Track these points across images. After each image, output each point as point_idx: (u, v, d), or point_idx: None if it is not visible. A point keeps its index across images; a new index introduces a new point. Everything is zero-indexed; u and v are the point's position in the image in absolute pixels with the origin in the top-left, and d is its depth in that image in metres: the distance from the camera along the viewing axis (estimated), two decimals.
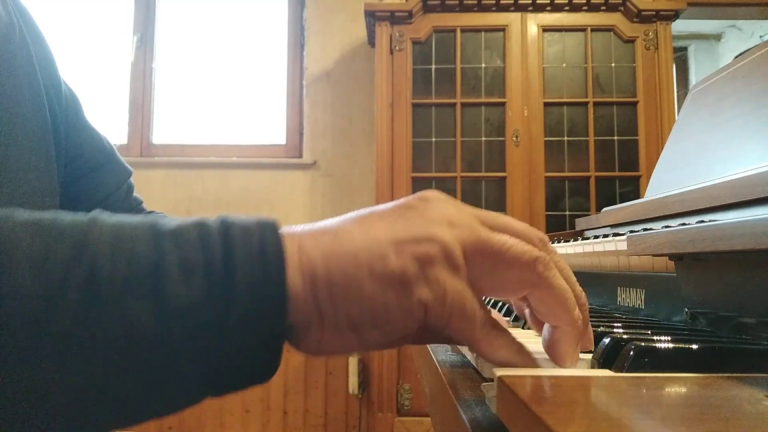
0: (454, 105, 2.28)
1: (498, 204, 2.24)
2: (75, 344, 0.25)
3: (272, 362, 0.29)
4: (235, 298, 0.27)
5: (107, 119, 2.76)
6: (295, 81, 2.75)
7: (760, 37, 3.35)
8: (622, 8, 2.27)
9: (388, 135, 2.26)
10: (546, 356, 0.33)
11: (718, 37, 3.62)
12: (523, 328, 0.50)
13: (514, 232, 0.32)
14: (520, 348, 0.32)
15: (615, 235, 0.70)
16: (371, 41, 2.49)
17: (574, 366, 0.32)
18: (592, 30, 2.28)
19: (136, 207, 0.66)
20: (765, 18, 2.63)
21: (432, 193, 0.33)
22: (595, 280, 0.70)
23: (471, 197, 2.25)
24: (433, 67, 2.30)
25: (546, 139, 2.25)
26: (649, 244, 0.48)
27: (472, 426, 0.28)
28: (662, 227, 0.52)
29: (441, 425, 0.38)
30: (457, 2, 2.27)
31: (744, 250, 0.35)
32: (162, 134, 2.80)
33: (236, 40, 2.87)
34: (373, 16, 2.30)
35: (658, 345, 0.31)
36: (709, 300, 0.44)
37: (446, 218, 0.31)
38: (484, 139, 2.28)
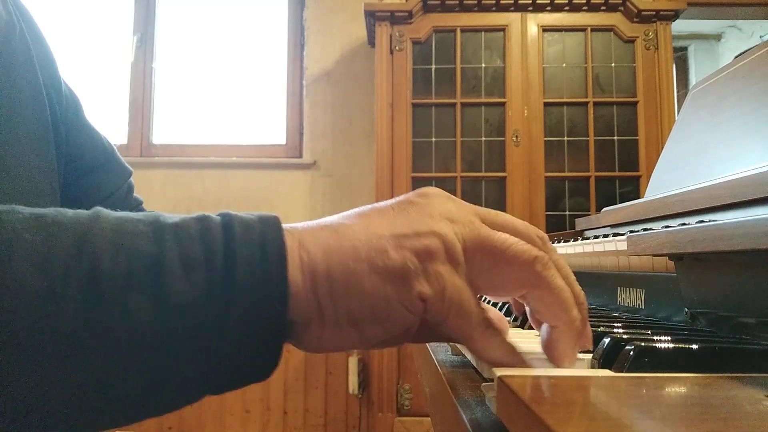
0: (454, 105, 2.28)
1: (498, 204, 2.24)
2: (76, 340, 0.25)
3: (272, 359, 0.29)
4: (235, 294, 0.27)
5: (107, 119, 2.77)
6: (295, 81, 2.75)
7: (760, 37, 3.35)
8: (622, 8, 2.27)
9: (388, 135, 2.26)
10: (543, 356, 0.33)
11: (718, 37, 3.62)
12: (523, 327, 0.50)
13: (513, 230, 0.32)
14: (513, 349, 0.32)
15: (615, 235, 0.70)
16: (371, 41, 2.49)
17: (572, 366, 0.32)
18: (592, 30, 2.28)
19: (136, 207, 0.66)
20: (765, 18, 2.63)
21: (432, 190, 0.33)
22: (595, 280, 0.70)
23: (471, 197, 2.25)
24: (433, 67, 2.30)
25: (546, 139, 2.25)
26: (649, 244, 0.48)
27: (472, 426, 0.28)
28: (662, 227, 0.52)
29: (441, 425, 0.38)
30: (457, 2, 2.27)
31: (744, 250, 0.35)
32: (162, 134, 2.80)
33: (236, 40, 2.87)
34: (373, 16, 2.30)
35: (658, 345, 0.31)
36: (709, 300, 0.44)
37: (447, 214, 0.31)
38: (484, 139, 2.28)
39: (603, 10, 2.28)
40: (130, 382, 0.26)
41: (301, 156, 2.70)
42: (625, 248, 0.53)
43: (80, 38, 2.85)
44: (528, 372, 0.30)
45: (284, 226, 0.30)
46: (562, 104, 2.28)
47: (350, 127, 2.69)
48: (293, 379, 2.54)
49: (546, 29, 2.29)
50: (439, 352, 0.48)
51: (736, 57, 0.79)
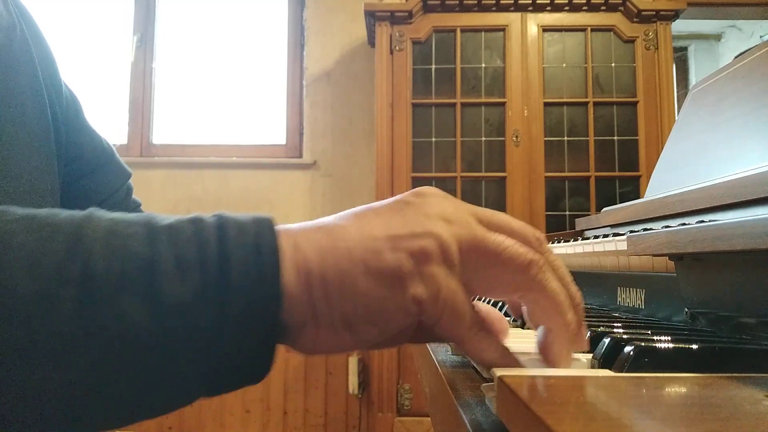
0: (454, 105, 2.28)
1: (498, 204, 2.24)
2: (69, 341, 0.25)
3: (266, 361, 0.29)
4: (229, 296, 0.27)
5: (107, 119, 2.76)
6: (295, 81, 2.75)
7: (760, 37, 3.35)
8: (622, 8, 2.27)
9: (388, 135, 2.26)
10: (539, 357, 0.33)
11: (718, 37, 3.62)
12: (523, 327, 0.50)
13: (510, 230, 0.32)
14: (506, 350, 0.32)
15: (615, 235, 0.70)
16: (371, 41, 2.49)
17: (567, 368, 0.32)
18: (592, 30, 2.28)
19: (134, 209, 0.66)
20: (765, 18, 2.63)
21: (429, 189, 0.33)
22: (595, 280, 0.70)
23: (471, 197, 2.25)
24: (433, 67, 2.30)
25: (546, 139, 2.25)
26: (649, 244, 0.48)
27: (472, 426, 0.28)
28: (662, 227, 0.52)
29: (441, 425, 0.38)
30: (457, 2, 2.27)
31: (744, 250, 0.35)
32: (162, 134, 2.80)
33: (236, 40, 2.87)
34: (373, 16, 2.30)
35: (658, 345, 0.31)
36: (709, 300, 0.44)
37: (443, 214, 0.31)
38: (484, 139, 2.28)
39: (603, 10, 2.28)
40: (123, 384, 0.26)
41: (301, 156, 2.70)
42: (625, 248, 0.53)
43: (80, 38, 2.85)
44: (528, 372, 0.30)
45: (279, 227, 0.29)
46: (562, 104, 2.28)
47: (350, 127, 2.69)
48: (293, 379, 2.54)
49: (546, 29, 2.29)
50: (439, 352, 0.48)
51: (736, 57, 0.79)
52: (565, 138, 2.27)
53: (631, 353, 0.30)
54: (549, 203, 2.24)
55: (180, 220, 0.29)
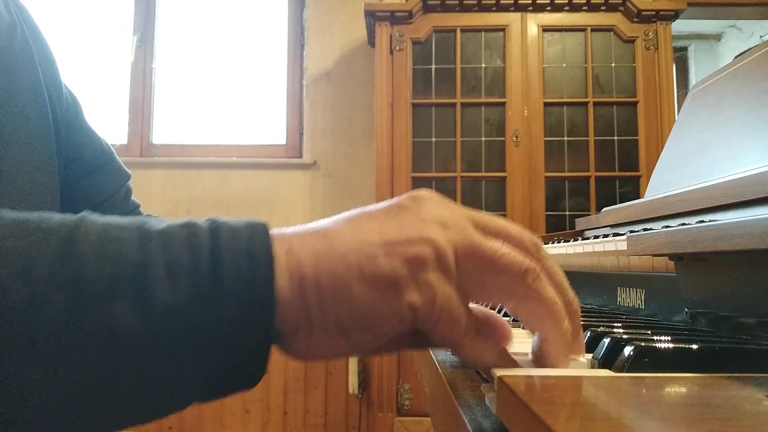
0: (454, 105, 2.28)
1: (498, 204, 2.24)
2: (59, 346, 0.24)
3: (259, 367, 0.28)
4: (221, 300, 0.26)
5: (107, 119, 2.76)
6: (295, 81, 2.75)
7: (760, 37, 3.35)
8: (622, 8, 2.27)
9: (388, 135, 2.26)
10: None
11: (718, 37, 3.62)
12: (523, 327, 0.50)
13: (507, 236, 0.32)
14: (503, 353, 0.32)
15: (615, 235, 0.70)
16: (371, 41, 2.49)
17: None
18: (592, 30, 2.28)
19: (133, 210, 0.66)
20: (765, 18, 2.63)
21: (424, 193, 0.33)
22: (595, 280, 0.70)
23: (471, 197, 2.25)
24: (433, 67, 2.30)
25: (546, 139, 2.25)
26: (649, 244, 0.48)
27: (472, 426, 0.28)
28: (662, 227, 0.52)
29: (441, 425, 0.38)
30: (457, 2, 2.27)
31: (744, 250, 0.35)
32: (162, 134, 2.80)
33: (236, 40, 2.87)
34: (373, 16, 2.30)
35: (658, 345, 0.31)
36: (709, 300, 0.44)
37: (439, 219, 0.31)
38: (484, 139, 2.28)
39: (603, 10, 2.28)
40: (115, 389, 0.26)
41: (301, 156, 2.70)
42: (625, 248, 0.53)
43: (80, 38, 2.86)
44: (528, 372, 0.30)
45: (273, 231, 0.29)
46: (562, 104, 2.28)
47: (350, 127, 2.69)
48: (293, 379, 2.54)
49: (546, 29, 2.29)
50: (439, 352, 0.48)
51: (736, 57, 0.79)
52: (565, 138, 2.27)
53: (631, 353, 0.30)
54: (549, 203, 2.24)
55: (173, 225, 0.28)
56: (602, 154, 2.25)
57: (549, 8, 2.28)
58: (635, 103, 2.25)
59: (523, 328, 0.49)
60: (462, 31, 2.30)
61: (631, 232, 0.61)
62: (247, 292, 0.27)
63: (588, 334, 0.37)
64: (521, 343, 0.35)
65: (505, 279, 0.31)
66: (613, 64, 2.28)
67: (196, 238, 0.28)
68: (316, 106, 2.70)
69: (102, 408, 0.26)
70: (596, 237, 0.76)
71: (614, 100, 2.27)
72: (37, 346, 0.24)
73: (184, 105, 2.85)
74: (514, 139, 2.24)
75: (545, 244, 0.92)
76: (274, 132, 2.78)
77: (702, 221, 0.55)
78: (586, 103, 2.26)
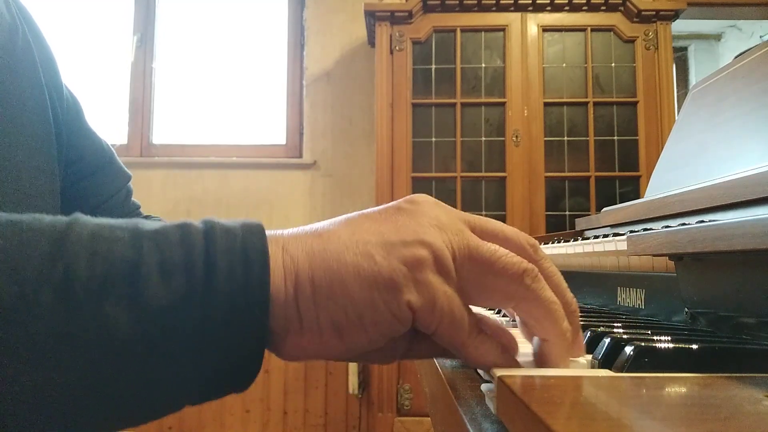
0: (454, 105, 2.28)
1: (498, 204, 2.24)
2: (49, 346, 0.24)
3: (252, 368, 0.28)
4: (215, 300, 0.26)
5: (107, 119, 2.76)
6: (295, 81, 2.75)
7: (760, 37, 3.35)
8: (622, 8, 2.27)
9: (388, 135, 2.26)
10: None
11: (718, 37, 3.62)
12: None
13: (504, 238, 0.32)
14: (505, 351, 0.32)
15: (615, 235, 0.70)
16: (371, 41, 2.49)
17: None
18: (592, 30, 2.28)
19: (134, 211, 0.66)
20: (765, 18, 2.63)
21: (421, 197, 0.33)
22: (595, 280, 0.70)
23: (471, 197, 2.25)
24: (433, 67, 2.30)
25: (546, 139, 2.25)
26: (649, 244, 0.48)
27: (472, 426, 0.28)
28: (662, 227, 0.52)
29: (441, 425, 0.38)
30: (457, 2, 2.27)
31: (744, 250, 0.35)
32: (162, 134, 2.80)
33: (236, 40, 2.87)
34: (373, 16, 2.30)
35: (658, 345, 0.31)
36: (709, 300, 0.44)
37: (436, 222, 0.31)
38: (484, 139, 2.28)
39: (603, 10, 2.28)
40: (105, 390, 0.25)
41: (301, 156, 2.70)
42: (625, 248, 0.53)
43: (80, 38, 2.85)
44: (528, 372, 0.30)
45: (268, 232, 0.29)
46: (562, 104, 2.28)
47: (350, 127, 2.69)
48: (293, 379, 2.54)
49: (546, 29, 2.29)
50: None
51: (736, 57, 0.79)
52: (565, 138, 2.27)
53: (631, 353, 0.30)
54: (549, 203, 2.24)
55: (166, 226, 0.28)
56: (602, 154, 2.25)
57: (549, 8, 2.28)
58: (635, 103, 2.25)
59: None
60: (462, 31, 2.30)
61: (631, 232, 0.61)
62: (241, 291, 0.27)
63: (588, 334, 0.37)
64: (521, 343, 0.35)
65: (503, 281, 0.31)
66: (613, 64, 2.28)
67: (189, 238, 0.27)
68: (316, 106, 2.70)
69: (95, 407, 0.26)
70: (596, 237, 0.76)
71: (614, 100, 2.27)
72: (27, 345, 0.24)
73: (184, 105, 2.85)
74: (514, 139, 2.24)
75: (545, 244, 0.92)
76: (274, 132, 2.78)
77: (702, 221, 0.55)
78: (586, 103, 2.26)
